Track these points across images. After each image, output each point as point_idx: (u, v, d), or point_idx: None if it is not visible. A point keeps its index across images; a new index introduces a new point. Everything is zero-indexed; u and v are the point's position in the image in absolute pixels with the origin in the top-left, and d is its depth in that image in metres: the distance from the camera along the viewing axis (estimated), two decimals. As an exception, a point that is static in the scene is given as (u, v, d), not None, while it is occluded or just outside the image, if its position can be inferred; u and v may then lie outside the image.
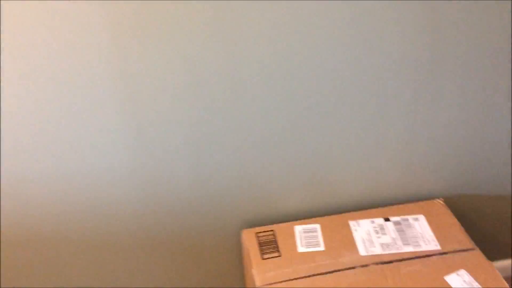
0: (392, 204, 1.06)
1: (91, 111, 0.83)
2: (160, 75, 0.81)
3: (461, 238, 0.96)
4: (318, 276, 0.89)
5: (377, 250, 0.94)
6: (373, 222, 1.00)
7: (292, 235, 0.99)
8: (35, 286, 1.01)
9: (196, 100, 0.85)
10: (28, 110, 0.80)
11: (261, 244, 0.97)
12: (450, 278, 0.87)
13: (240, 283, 1.11)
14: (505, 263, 1.24)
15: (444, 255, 0.92)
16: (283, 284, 0.88)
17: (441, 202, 1.05)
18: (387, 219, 1.01)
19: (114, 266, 1.02)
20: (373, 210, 1.04)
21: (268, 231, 1.00)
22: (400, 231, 0.98)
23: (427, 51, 0.88)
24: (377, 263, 0.91)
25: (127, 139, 0.87)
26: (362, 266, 0.91)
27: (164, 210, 0.97)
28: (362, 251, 0.94)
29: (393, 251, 0.93)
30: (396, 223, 1.00)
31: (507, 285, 0.86)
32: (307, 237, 0.98)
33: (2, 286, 1.00)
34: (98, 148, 0.87)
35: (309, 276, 0.89)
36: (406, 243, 0.95)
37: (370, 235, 0.97)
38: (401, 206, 1.05)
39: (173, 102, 0.85)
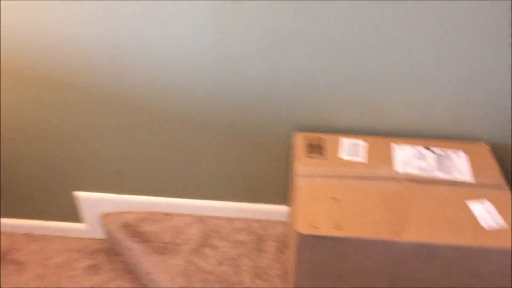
0: (437, 138, 1.13)
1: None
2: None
3: (496, 178, 1.01)
4: (352, 179, 1.00)
5: (413, 171, 1.02)
6: (414, 148, 1.08)
7: (337, 145, 1.09)
8: (106, 143, 1.20)
9: (275, 3, 0.95)
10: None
11: (308, 145, 1.09)
12: (473, 205, 0.95)
13: (285, 177, 1.25)
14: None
15: (474, 187, 0.99)
16: (320, 178, 1.00)
17: (486, 145, 1.11)
18: (428, 148, 1.08)
19: (181, 140, 1.19)
20: (418, 139, 1.11)
21: (317, 136, 1.11)
22: (438, 160, 1.05)
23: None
24: (409, 180, 1.00)
25: (209, 29, 1.00)
26: (395, 179, 1.00)
27: (232, 99, 1.10)
28: (399, 169, 1.03)
29: (427, 174, 1.02)
30: (436, 153, 1.07)
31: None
32: (350, 149, 1.08)
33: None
34: (185, 32, 1.00)
35: (344, 177, 1.00)
36: (441, 170, 1.03)
37: (409, 158, 1.06)
38: (445, 141, 1.12)
39: (254, 2, 0.95)
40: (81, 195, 1.31)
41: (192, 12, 0.98)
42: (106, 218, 1.32)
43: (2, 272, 1.30)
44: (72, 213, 1.36)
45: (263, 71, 1.06)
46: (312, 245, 0.89)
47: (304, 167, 1.03)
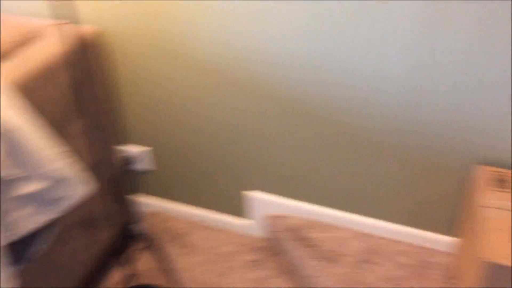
0: None
1: (389, 30, 1.03)
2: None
3: None
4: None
5: None
6: None
7: (523, 182, 1.07)
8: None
9: (478, 37, 0.98)
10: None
11: (491, 179, 1.08)
12: None
13: (455, 207, 1.24)
14: None
15: None
16: (502, 211, 0.99)
17: None
18: None
19: (356, 157, 1.26)
20: None
21: (501, 171, 1.10)
22: None
23: None
24: None
25: (411, 57, 1.06)
26: None
27: (418, 125, 1.14)
28: None
29: None
30: None
31: None
32: (538, 188, 1.05)
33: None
34: (385, 58, 1.08)
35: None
36: None
37: None
38: None
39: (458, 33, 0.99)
40: (253, 195, 1.44)
41: (398, 40, 1.04)
42: (272, 219, 1.43)
43: (176, 251, 1.48)
44: (240, 209, 1.50)
45: (456, 102, 1.08)
46: (502, 277, 0.89)
47: (488, 200, 1.03)
